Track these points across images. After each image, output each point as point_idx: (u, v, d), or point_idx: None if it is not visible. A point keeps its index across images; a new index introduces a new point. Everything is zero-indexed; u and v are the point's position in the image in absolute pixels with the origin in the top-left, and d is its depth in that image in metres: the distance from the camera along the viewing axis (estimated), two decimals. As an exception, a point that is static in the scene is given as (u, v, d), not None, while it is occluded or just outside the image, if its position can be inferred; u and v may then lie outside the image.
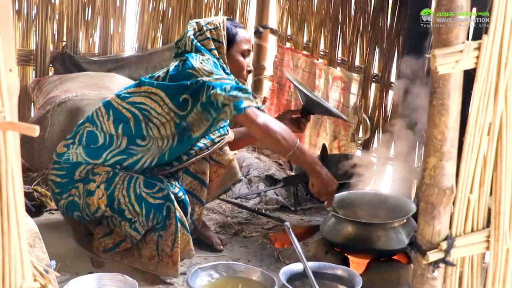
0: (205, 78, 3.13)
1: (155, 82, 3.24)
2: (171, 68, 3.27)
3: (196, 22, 3.40)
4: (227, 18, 3.44)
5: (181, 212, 3.20)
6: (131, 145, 3.23)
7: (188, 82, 3.16)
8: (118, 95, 3.31)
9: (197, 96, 3.14)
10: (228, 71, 3.31)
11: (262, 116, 3.16)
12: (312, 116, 3.72)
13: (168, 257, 3.16)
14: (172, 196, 3.17)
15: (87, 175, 3.25)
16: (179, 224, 3.16)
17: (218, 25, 3.37)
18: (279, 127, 3.17)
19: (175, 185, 3.27)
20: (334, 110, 3.67)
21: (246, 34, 3.45)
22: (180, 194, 3.25)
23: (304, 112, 3.61)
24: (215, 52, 3.32)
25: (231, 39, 3.38)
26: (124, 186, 3.18)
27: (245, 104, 3.11)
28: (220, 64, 3.28)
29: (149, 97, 3.23)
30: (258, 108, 3.16)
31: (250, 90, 3.27)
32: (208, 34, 3.34)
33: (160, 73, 3.30)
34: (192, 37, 3.32)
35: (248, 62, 3.46)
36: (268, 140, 3.19)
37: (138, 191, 3.16)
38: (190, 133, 3.22)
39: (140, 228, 3.18)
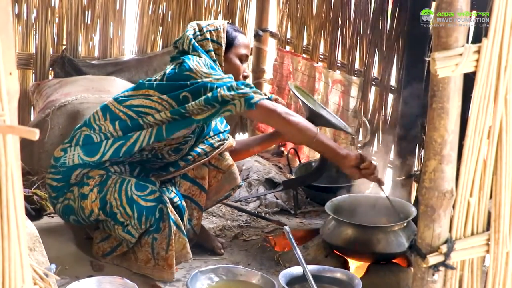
0: (204, 80, 3.13)
1: (154, 83, 3.23)
2: (168, 70, 3.25)
3: (197, 24, 3.40)
4: (227, 22, 3.45)
5: (176, 215, 3.18)
6: (128, 133, 3.21)
7: (188, 82, 3.15)
8: (115, 99, 3.30)
9: (198, 95, 3.12)
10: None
11: (279, 106, 3.16)
12: None
13: (164, 260, 3.15)
14: (165, 198, 3.16)
15: (82, 179, 3.25)
16: (173, 227, 3.15)
17: (219, 27, 3.37)
18: (298, 115, 3.19)
19: (172, 190, 3.26)
20: (338, 123, 3.65)
21: (245, 39, 3.45)
22: (176, 199, 3.24)
23: None
24: (213, 53, 3.31)
25: (230, 42, 3.38)
26: (116, 189, 3.16)
27: (255, 98, 3.09)
28: (217, 66, 3.27)
29: (147, 98, 3.20)
30: (269, 98, 3.16)
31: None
32: (207, 35, 3.33)
33: (157, 76, 3.27)
34: (191, 36, 3.31)
35: (244, 67, 3.45)
36: (291, 129, 3.17)
37: (130, 194, 3.14)
38: (190, 115, 3.14)
39: (133, 231, 3.16)
